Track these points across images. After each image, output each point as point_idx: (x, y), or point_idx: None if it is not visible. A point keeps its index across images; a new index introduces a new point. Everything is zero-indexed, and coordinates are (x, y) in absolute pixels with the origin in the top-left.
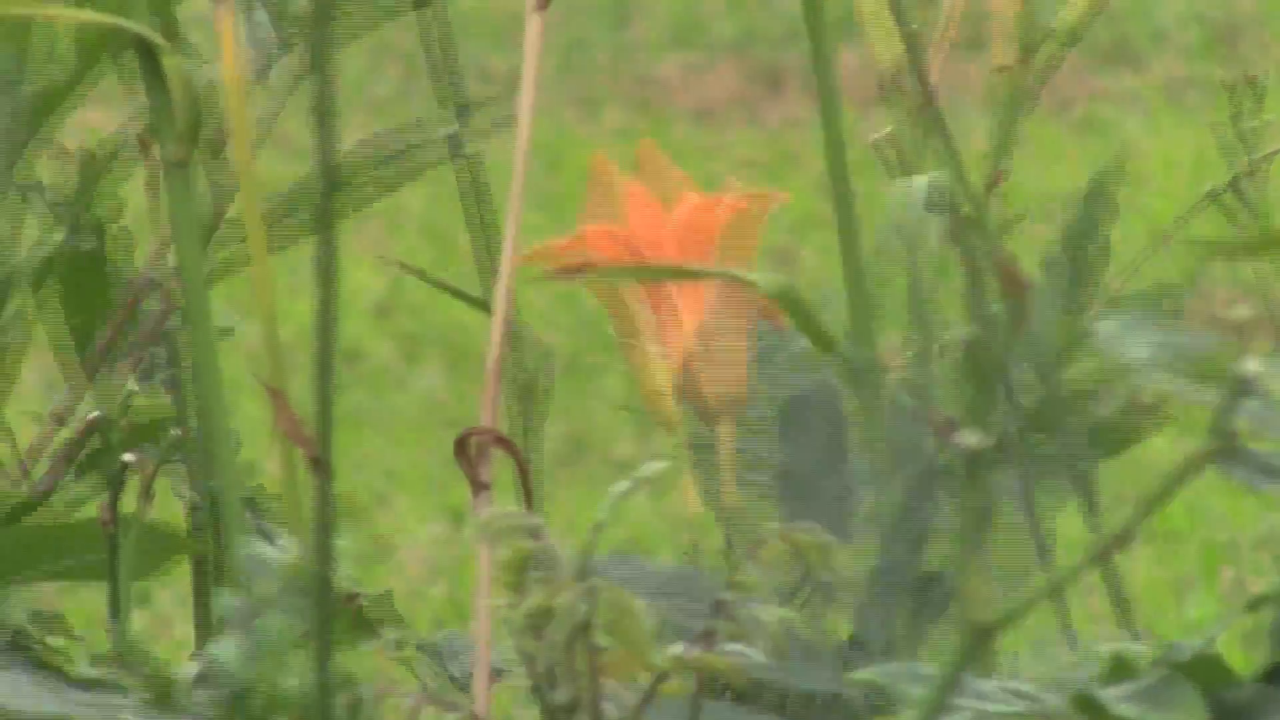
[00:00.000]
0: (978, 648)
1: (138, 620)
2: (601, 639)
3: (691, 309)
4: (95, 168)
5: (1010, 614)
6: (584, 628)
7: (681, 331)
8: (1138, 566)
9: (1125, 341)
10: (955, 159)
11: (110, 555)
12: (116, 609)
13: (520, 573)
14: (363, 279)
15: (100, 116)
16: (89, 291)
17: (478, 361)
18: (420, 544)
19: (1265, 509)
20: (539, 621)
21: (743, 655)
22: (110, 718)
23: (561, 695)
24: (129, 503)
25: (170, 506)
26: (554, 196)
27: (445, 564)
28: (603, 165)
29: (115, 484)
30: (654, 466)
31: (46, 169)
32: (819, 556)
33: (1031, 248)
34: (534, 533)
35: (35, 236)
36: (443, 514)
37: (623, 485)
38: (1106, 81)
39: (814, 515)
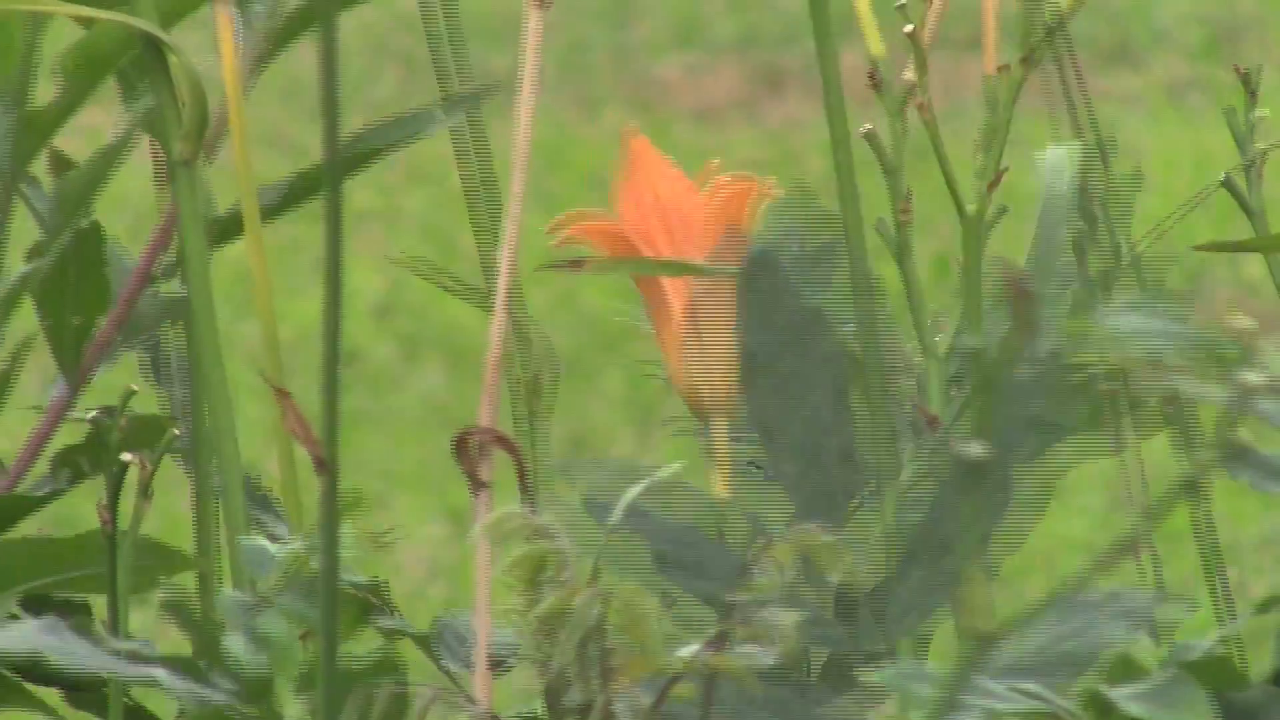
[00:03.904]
0: (980, 657)
1: (137, 620)
2: (613, 638)
3: (683, 301)
4: (95, 168)
5: (1013, 622)
6: (597, 630)
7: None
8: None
9: (1138, 334)
10: (945, 158)
11: (110, 556)
12: (115, 611)
13: (532, 574)
14: (363, 280)
15: (99, 117)
16: (88, 290)
17: (478, 361)
18: (420, 544)
19: (1266, 510)
20: (551, 624)
21: (756, 657)
22: (146, 676)
23: (574, 698)
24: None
25: (169, 507)
26: (554, 196)
27: (445, 564)
28: (638, 141)
29: (114, 484)
30: (668, 468)
31: (45, 170)
32: (828, 558)
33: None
34: (545, 533)
35: (33, 236)
36: (443, 514)
37: (634, 489)
38: (1107, 81)
39: (777, 405)
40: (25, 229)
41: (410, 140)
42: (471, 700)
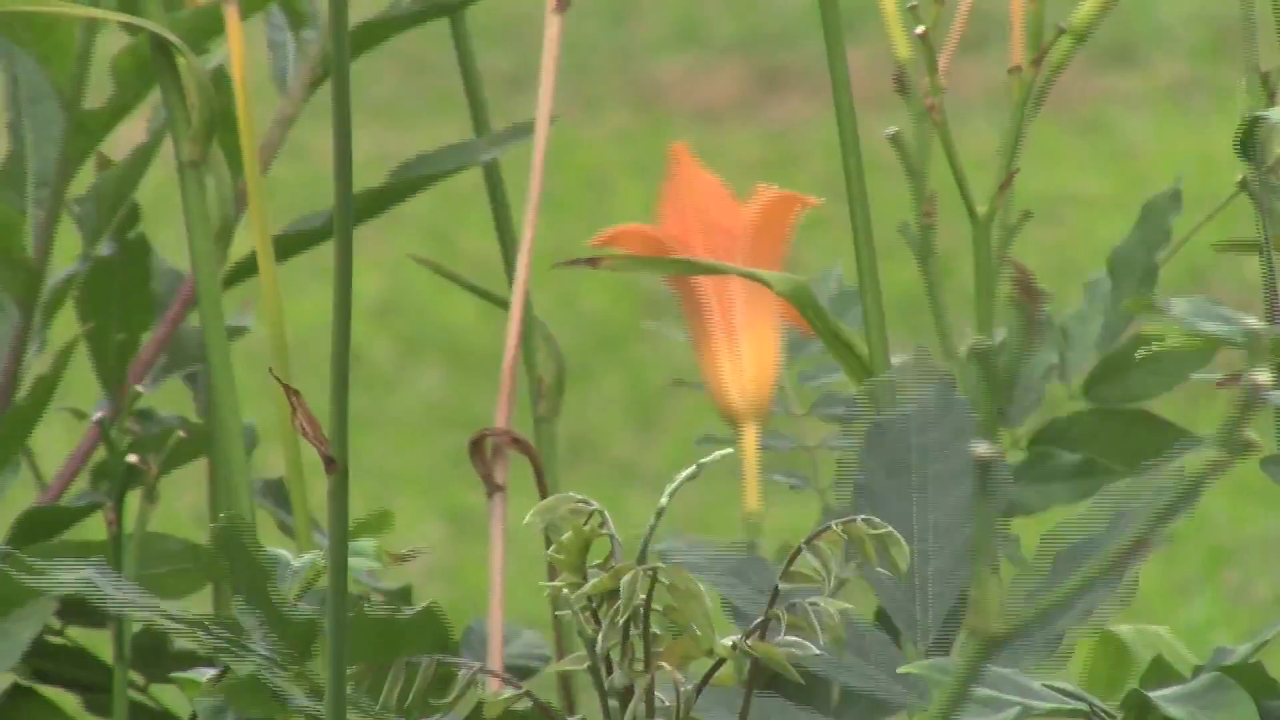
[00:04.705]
0: (987, 657)
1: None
2: (657, 625)
3: (745, 311)
4: (129, 167)
5: (1022, 624)
6: (644, 610)
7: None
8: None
9: (1197, 319)
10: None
11: (114, 557)
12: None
13: (582, 554)
14: (363, 281)
15: (137, 130)
16: (133, 303)
17: (477, 363)
18: (419, 545)
19: (1268, 512)
20: (599, 603)
21: (801, 646)
22: (186, 626)
23: (619, 679)
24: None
25: (170, 508)
26: (554, 197)
27: (444, 566)
28: (683, 154)
29: (119, 485)
30: (718, 454)
31: (88, 181)
32: (876, 548)
33: (1033, 248)
34: (598, 518)
35: (75, 248)
36: (442, 515)
37: (688, 471)
38: (1110, 82)
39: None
40: (74, 235)
41: (456, 170)
42: (514, 683)
